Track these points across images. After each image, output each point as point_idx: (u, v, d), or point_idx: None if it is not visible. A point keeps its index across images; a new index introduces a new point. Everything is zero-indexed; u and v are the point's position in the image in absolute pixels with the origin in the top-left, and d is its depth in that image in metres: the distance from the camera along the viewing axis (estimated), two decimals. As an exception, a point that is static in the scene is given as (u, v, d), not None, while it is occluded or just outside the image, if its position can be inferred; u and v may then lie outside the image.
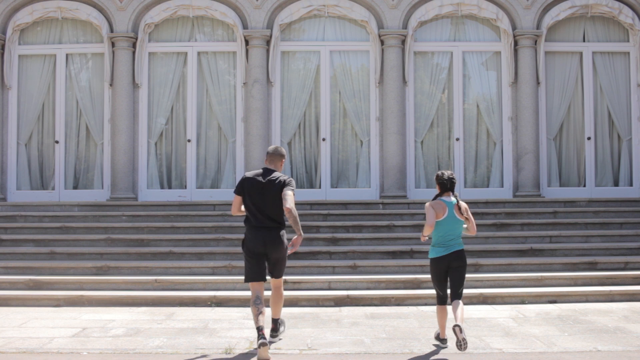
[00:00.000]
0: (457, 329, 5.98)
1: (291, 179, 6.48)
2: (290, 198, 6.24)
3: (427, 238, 6.61)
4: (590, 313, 8.20)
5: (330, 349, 6.51)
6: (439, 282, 6.51)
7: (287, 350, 6.44)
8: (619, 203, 11.95)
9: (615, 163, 12.74)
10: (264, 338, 6.01)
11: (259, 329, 6.10)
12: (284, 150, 6.74)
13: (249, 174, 6.54)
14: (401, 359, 6.18)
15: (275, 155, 6.59)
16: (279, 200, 6.31)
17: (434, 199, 6.58)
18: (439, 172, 6.61)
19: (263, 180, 6.39)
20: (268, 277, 6.63)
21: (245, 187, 6.41)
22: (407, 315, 8.15)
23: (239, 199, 6.48)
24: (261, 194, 6.36)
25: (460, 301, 6.34)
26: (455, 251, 6.42)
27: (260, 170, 6.53)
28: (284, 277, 9.26)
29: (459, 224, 6.45)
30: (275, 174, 6.45)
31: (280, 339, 6.84)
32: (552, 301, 8.93)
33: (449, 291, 6.53)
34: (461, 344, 5.94)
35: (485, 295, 8.93)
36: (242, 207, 6.54)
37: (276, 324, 6.79)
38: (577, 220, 11.33)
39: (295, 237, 6.39)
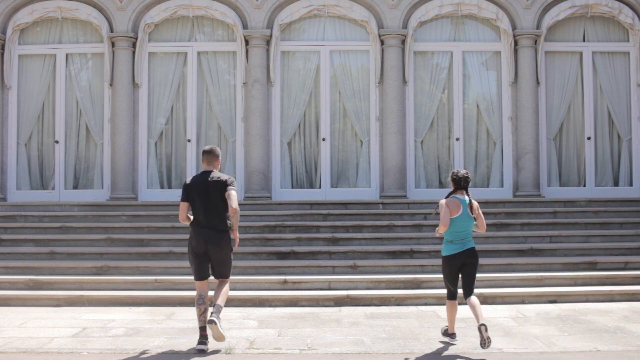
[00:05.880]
0: (482, 327, 6.11)
1: (232, 178, 6.58)
2: (235, 198, 6.36)
3: (441, 234, 6.68)
4: (590, 313, 8.20)
5: (330, 348, 6.51)
6: (451, 279, 6.63)
7: (287, 350, 6.45)
8: (619, 203, 11.95)
9: (615, 163, 12.74)
10: (204, 344, 6.33)
11: (201, 329, 6.39)
12: (219, 150, 6.79)
13: (190, 179, 6.63)
14: (401, 359, 6.18)
15: (212, 155, 6.63)
16: (221, 201, 6.42)
17: (447, 196, 6.65)
18: (455, 170, 6.70)
19: (206, 182, 6.48)
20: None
21: (190, 192, 6.51)
22: (407, 315, 8.15)
23: (185, 205, 6.56)
24: (205, 195, 6.45)
25: (475, 297, 6.48)
26: (469, 248, 6.59)
27: (201, 173, 6.63)
28: (284, 277, 9.35)
29: (471, 222, 6.61)
30: (216, 174, 6.54)
31: (219, 322, 6.32)
32: (552, 301, 8.93)
33: (460, 289, 6.67)
34: (485, 342, 6.08)
35: (485, 295, 8.92)
36: (190, 214, 6.64)
37: (218, 308, 6.38)
38: (577, 220, 11.33)
39: (233, 234, 6.54)
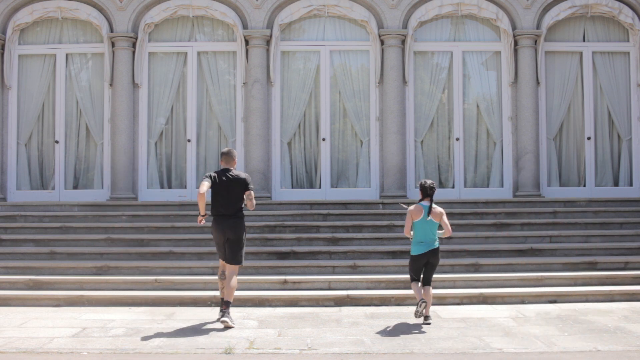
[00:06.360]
0: (428, 318, 7.53)
1: (250, 177, 7.77)
2: (254, 197, 7.68)
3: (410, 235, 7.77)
4: (590, 313, 8.20)
5: (330, 348, 6.51)
6: (416, 272, 7.69)
7: (287, 350, 6.45)
8: (619, 203, 11.95)
9: (615, 163, 12.74)
10: (225, 314, 7.42)
11: (222, 302, 7.55)
12: (235, 152, 7.97)
13: (213, 172, 7.74)
14: (401, 359, 6.18)
15: (229, 156, 7.79)
16: (240, 194, 7.62)
17: (419, 201, 7.69)
18: (422, 181, 7.76)
19: (227, 178, 7.63)
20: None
21: (214, 183, 7.61)
22: (407, 315, 8.15)
23: (207, 184, 7.54)
24: (227, 189, 7.60)
25: (430, 287, 7.69)
26: (433, 249, 7.59)
27: (221, 170, 7.74)
28: (284, 277, 9.36)
29: (434, 225, 7.57)
30: (234, 172, 7.71)
31: (229, 320, 7.41)
32: (552, 301, 8.93)
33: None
34: (419, 313, 7.44)
35: (485, 295, 8.94)
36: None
37: (227, 305, 7.54)
38: (577, 220, 11.33)
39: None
